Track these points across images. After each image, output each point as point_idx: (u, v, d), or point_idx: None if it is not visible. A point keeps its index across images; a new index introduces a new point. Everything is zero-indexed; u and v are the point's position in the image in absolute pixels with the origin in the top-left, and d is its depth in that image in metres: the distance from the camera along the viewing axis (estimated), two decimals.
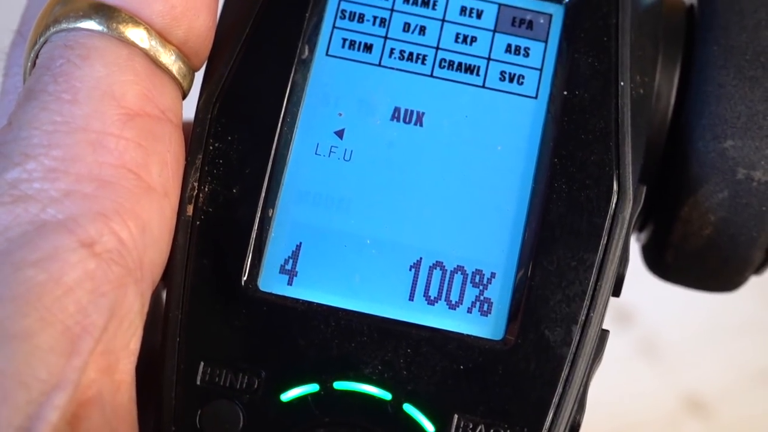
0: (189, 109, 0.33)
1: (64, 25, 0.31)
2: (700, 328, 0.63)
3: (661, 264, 0.37)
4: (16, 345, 0.27)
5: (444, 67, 0.34)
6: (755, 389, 0.62)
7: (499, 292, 0.32)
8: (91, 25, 0.30)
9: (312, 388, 0.31)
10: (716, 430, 0.60)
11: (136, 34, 0.31)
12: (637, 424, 0.60)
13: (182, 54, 0.31)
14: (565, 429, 0.31)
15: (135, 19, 0.31)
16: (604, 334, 0.32)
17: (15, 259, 0.28)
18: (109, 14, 0.30)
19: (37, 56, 0.31)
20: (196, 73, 0.33)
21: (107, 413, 0.28)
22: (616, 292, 0.33)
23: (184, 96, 0.32)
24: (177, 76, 0.31)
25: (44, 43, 0.31)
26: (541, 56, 0.34)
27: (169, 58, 0.31)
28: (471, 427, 0.31)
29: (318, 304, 0.32)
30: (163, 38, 0.31)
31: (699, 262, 0.36)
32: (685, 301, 0.58)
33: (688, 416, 0.61)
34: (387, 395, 0.31)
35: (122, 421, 0.29)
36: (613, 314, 0.35)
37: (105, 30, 0.30)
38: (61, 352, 0.27)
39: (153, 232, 0.30)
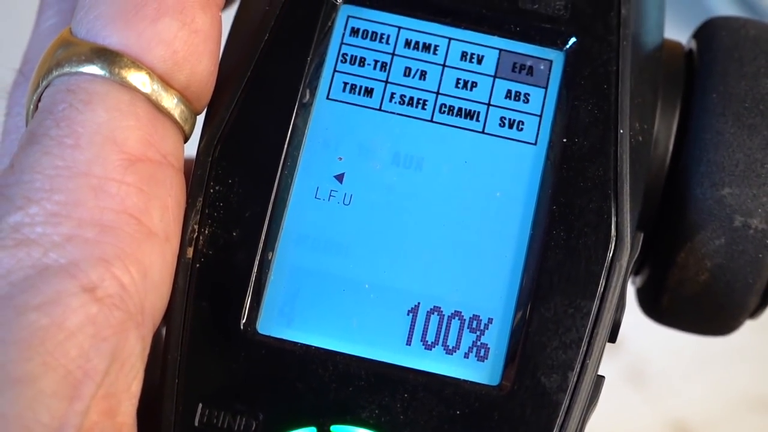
0: (190, 149, 0.33)
1: (66, 69, 0.31)
2: (689, 355, 0.63)
3: (656, 308, 0.37)
4: (19, 389, 0.27)
5: (444, 112, 0.34)
6: (743, 417, 0.63)
7: (496, 338, 0.32)
8: (93, 69, 0.30)
9: (309, 431, 0.31)
10: None
11: (138, 79, 0.31)
12: None
13: (184, 98, 0.31)
14: None
15: (137, 64, 0.31)
16: (599, 380, 0.32)
17: (17, 303, 0.28)
18: (111, 59, 0.30)
19: (39, 99, 0.31)
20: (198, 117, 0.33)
21: None
22: (612, 338, 0.33)
23: (186, 140, 0.32)
24: (179, 120, 0.31)
25: (46, 86, 0.31)
26: (541, 102, 0.34)
27: (171, 103, 0.31)
28: None
29: (316, 347, 0.32)
30: (166, 83, 0.31)
31: (694, 306, 0.36)
32: (671, 330, 0.58)
33: None
34: None
35: None
36: None
37: (107, 75, 0.30)
38: (63, 396, 0.27)
39: (154, 277, 0.30)
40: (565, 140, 0.33)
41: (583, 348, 0.32)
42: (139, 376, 0.30)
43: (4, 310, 0.28)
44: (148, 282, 0.30)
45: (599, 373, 0.32)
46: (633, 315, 0.35)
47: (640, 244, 0.33)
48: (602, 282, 0.32)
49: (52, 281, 0.28)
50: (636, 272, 0.38)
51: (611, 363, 0.61)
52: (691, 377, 0.62)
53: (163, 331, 0.33)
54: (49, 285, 0.28)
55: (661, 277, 0.36)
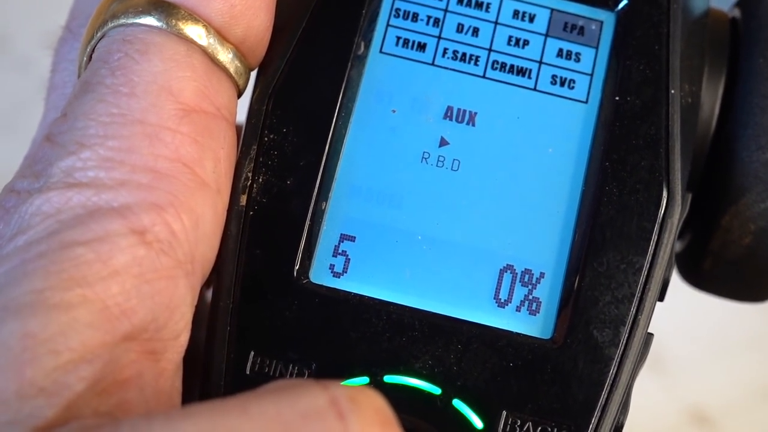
0: (242, 109, 0.32)
1: (122, 21, 0.30)
2: (707, 342, 0.62)
3: (697, 272, 0.36)
4: (54, 315, 0.26)
5: (496, 68, 0.33)
6: (761, 405, 0.62)
7: (549, 292, 0.31)
8: (150, 21, 0.30)
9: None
10: None
11: (195, 32, 0.30)
12: None
13: (239, 52, 0.31)
14: (610, 429, 0.31)
15: (194, 17, 0.30)
16: (649, 338, 0.32)
17: (65, 238, 0.27)
18: (168, 11, 0.30)
19: (93, 51, 0.31)
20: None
21: (147, 395, 0.28)
22: (662, 296, 0.32)
23: (240, 94, 0.32)
24: (234, 74, 0.31)
25: (101, 37, 0.30)
26: (592, 62, 0.33)
27: (226, 56, 0.30)
28: (519, 424, 0.30)
29: (369, 297, 0.31)
30: (222, 36, 0.30)
31: (736, 271, 0.35)
32: (692, 315, 0.57)
33: (694, 430, 0.61)
34: (437, 390, 0.30)
35: (163, 405, 0.28)
36: None
37: (164, 26, 0.30)
38: (98, 328, 0.26)
39: (205, 227, 0.29)
40: (616, 99, 0.32)
41: (635, 304, 0.31)
42: (188, 328, 0.29)
43: (51, 244, 0.27)
44: (200, 232, 0.29)
45: (649, 330, 0.32)
46: None
47: (689, 204, 0.33)
48: (654, 239, 0.31)
49: (101, 221, 0.27)
50: (678, 237, 0.37)
51: None
52: (710, 365, 0.62)
53: (208, 294, 0.32)
54: (98, 224, 0.27)
55: (704, 241, 0.35)
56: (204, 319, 0.31)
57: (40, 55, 0.36)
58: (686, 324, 0.60)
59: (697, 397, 0.62)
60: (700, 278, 0.37)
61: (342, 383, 0.25)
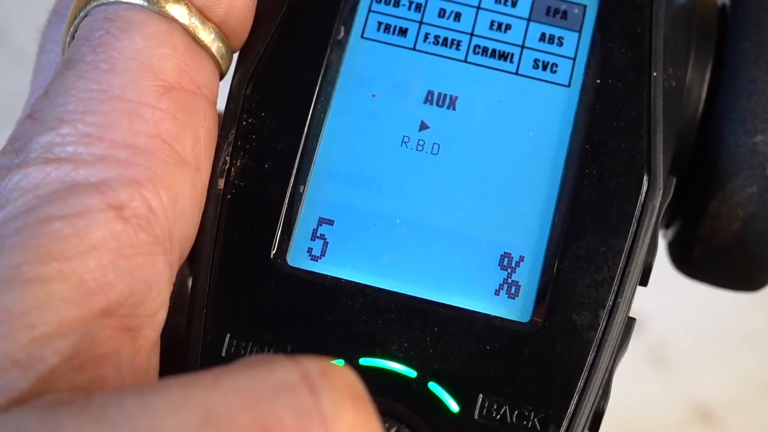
0: (224, 93, 0.32)
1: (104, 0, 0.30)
2: (711, 337, 0.61)
3: (687, 260, 0.36)
4: (29, 289, 0.26)
5: (478, 53, 0.33)
6: (765, 400, 0.61)
7: (528, 276, 0.31)
8: None
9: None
10: None
11: (177, 10, 0.30)
12: None
13: (221, 33, 0.30)
14: (589, 414, 0.30)
15: None
16: (630, 322, 0.31)
17: (42, 213, 0.27)
18: None
19: (76, 30, 0.30)
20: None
21: (123, 372, 0.27)
22: (644, 281, 0.32)
23: (222, 76, 0.31)
24: (215, 54, 0.30)
25: (84, 17, 0.30)
26: (574, 46, 0.33)
27: (208, 36, 0.30)
28: (495, 407, 0.29)
29: (346, 280, 0.30)
30: (204, 16, 0.30)
31: (726, 258, 0.35)
32: (695, 310, 0.56)
33: (697, 426, 0.60)
34: (412, 373, 0.30)
35: (139, 383, 0.28)
36: None
37: (145, 4, 0.30)
38: (74, 302, 0.26)
39: (184, 205, 0.29)
40: (598, 82, 0.32)
41: (615, 286, 0.30)
42: (166, 305, 0.29)
43: (28, 219, 0.27)
44: (178, 208, 0.29)
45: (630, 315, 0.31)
46: (655, 298, 0.34)
47: (673, 188, 0.32)
48: (634, 221, 0.31)
49: (79, 196, 0.27)
50: (667, 225, 0.37)
51: (633, 344, 0.59)
52: (714, 360, 0.61)
53: (189, 281, 0.32)
54: (76, 199, 0.27)
55: (692, 228, 0.35)
56: (183, 305, 0.31)
57: None
58: (690, 319, 0.59)
59: (701, 393, 0.61)
60: (691, 267, 0.36)
61: (317, 358, 0.24)
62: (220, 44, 0.31)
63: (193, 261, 0.31)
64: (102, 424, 0.23)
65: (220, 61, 0.31)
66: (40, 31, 0.35)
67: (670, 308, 0.38)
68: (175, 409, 0.23)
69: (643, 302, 0.40)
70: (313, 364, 0.24)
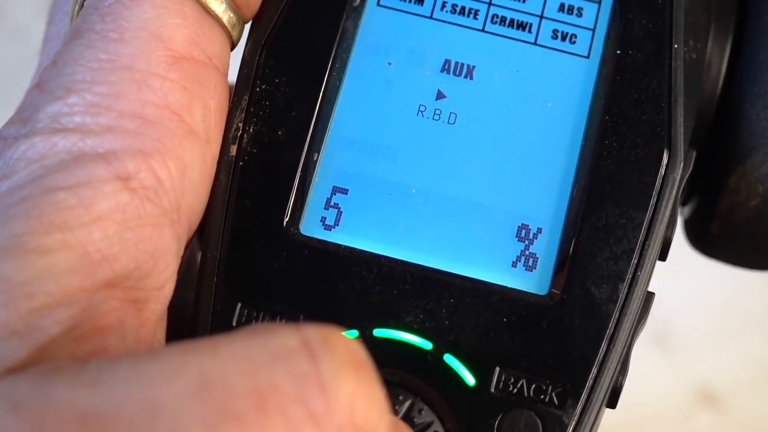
0: (234, 65, 0.31)
1: None
2: (715, 320, 0.60)
3: (704, 237, 0.35)
4: (31, 258, 0.25)
5: (496, 22, 0.32)
6: None
7: (546, 248, 0.30)
8: None
9: (351, 334, 0.29)
10: (729, 424, 0.58)
11: None
12: (650, 417, 0.57)
13: (233, 3, 0.30)
14: (607, 388, 0.29)
15: None
16: (649, 296, 0.30)
17: (48, 183, 0.26)
18: None
19: (85, 0, 0.30)
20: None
21: (127, 344, 0.27)
22: (663, 255, 0.31)
23: (233, 47, 0.31)
24: (226, 24, 0.30)
25: None
26: (594, 17, 0.32)
27: (219, 6, 0.29)
28: (512, 381, 0.29)
29: (360, 250, 0.29)
30: None
31: (744, 234, 0.34)
32: (700, 292, 0.56)
33: (702, 409, 0.59)
34: (428, 345, 0.29)
35: None
36: None
37: None
38: (76, 273, 0.25)
39: (193, 177, 0.28)
40: (618, 53, 0.31)
41: (634, 260, 0.29)
42: (173, 278, 0.28)
43: (33, 189, 0.26)
44: (186, 180, 0.28)
45: (649, 289, 0.30)
46: (658, 279, 0.33)
47: (693, 161, 0.31)
48: (655, 194, 0.30)
49: (86, 166, 0.26)
50: (684, 202, 0.36)
51: None
52: (718, 343, 0.60)
53: (197, 256, 0.31)
54: (82, 169, 0.26)
55: (711, 203, 0.34)
56: (192, 281, 0.30)
57: (36, 23, 0.35)
58: (694, 301, 0.58)
59: (706, 376, 0.60)
60: (707, 243, 0.35)
61: (319, 326, 0.23)
62: (232, 14, 0.30)
63: (203, 232, 0.30)
64: (95, 389, 0.22)
65: (231, 31, 0.30)
66: (37, 6, 0.34)
67: (673, 290, 0.37)
68: (169, 374, 0.22)
69: None
70: (314, 331, 0.23)
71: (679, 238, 0.37)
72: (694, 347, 0.60)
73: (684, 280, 0.36)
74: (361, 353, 0.23)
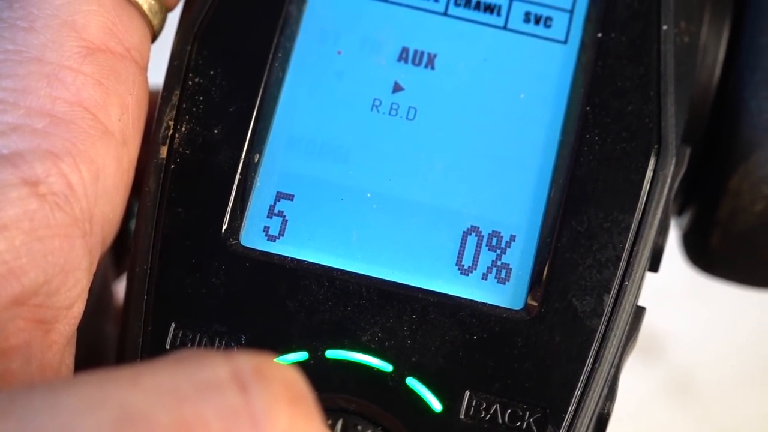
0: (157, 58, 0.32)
1: None
2: (739, 367, 0.61)
3: (704, 250, 0.35)
4: None
5: (460, 5, 0.32)
6: None
7: (520, 257, 0.30)
8: None
9: (301, 356, 0.29)
10: None
11: None
12: None
13: None
14: (592, 415, 0.29)
15: None
16: (639, 311, 0.31)
17: None
18: None
19: None
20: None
21: (32, 368, 0.27)
22: (654, 266, 0.31)
23: (154, 38, 0.31)
24: (147, 12, 0.30)
25: None
26: None
27: None
28: (484, 406, 0.29)
29: (309, 262, 0.30)
30: None
31: (749, 245, 0.34)
32: (722, 334, 0.56)
33: None
34: (388, 367, 0.29)
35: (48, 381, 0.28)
36: (640, 345, 0.33)
37: None
38: None
39: (107, 182, 0.29)
40: (600, 36, 0.32)
41: (621, 268, 0.30)
42: (83, 297, 0.28)
43: None
44: (100, 186, 0.28)
45: (639, 304, 0.31)
46: (676, 321, 0.33)
47: (687, 158, 0.32)
48: (644, 194, 0.30)
49: None
50: (679, 212, 0.37)
51: (650, 374, 0.59)
52: (742, 392, 0.60)
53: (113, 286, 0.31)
54: None
55: (710, 210, 0.34)
56: (104, 307, 0.31)
57: None
58: (715, 345, 0.58)
59: (728, 429, 0.61)
60: (708, 258, 0.36)
61: (252, 355, 0.24)
62: (153, 1, 0.30)
63: (123, 247, 0.31)
64: (8, 422, 0.23)
65: (152, 20, 0.31)
66: None
67: (692, 332, 0.37)
68: (88, 406, 0.23)
69: (661, 325, 0.39)
70: (246, 361, 0.24)
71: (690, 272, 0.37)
72: (717, 398, 0.61)
73: (704, 320, 0.37)
74: (299, 384, 0.24)
